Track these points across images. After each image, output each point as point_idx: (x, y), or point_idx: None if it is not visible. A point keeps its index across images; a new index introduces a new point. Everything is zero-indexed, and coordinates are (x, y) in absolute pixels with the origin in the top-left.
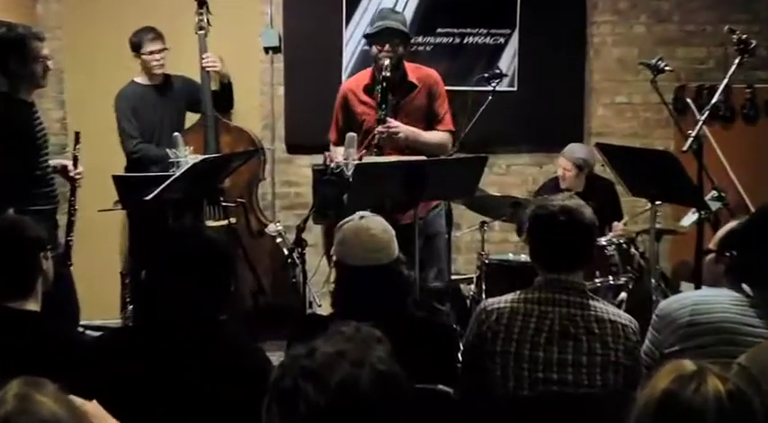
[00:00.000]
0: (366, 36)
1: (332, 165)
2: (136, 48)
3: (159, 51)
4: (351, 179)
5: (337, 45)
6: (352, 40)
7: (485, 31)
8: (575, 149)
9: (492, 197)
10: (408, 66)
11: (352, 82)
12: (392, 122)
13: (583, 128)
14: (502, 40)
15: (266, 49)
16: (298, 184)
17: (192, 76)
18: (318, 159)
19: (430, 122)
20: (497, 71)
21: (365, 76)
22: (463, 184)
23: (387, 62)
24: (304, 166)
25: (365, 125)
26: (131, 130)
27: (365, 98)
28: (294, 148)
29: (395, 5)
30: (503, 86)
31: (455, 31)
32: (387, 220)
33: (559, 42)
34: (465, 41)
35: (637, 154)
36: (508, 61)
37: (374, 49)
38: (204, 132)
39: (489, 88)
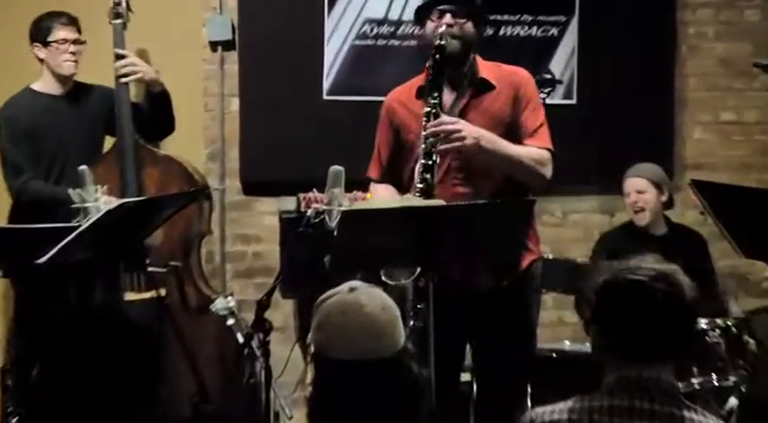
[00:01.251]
0: (418, 11)
1: (309, 212)
2: (40, 36)
3: (75, 42)
4: (336, 233)
5: (315, 39)
6: (338, 32)
7: (529, 17)
8: (644, 166)
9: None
10: (482, 62)
11: (401, 91)
12: (449, 119)
13: (672, 157)
14: (554, 31)
15: (213, 45)
16: (258, 239)
17: (112, 84)
18: (289, 204)
19: (515, 139)
20: (548, 76)
21: (417, 81)
22: (499, 241)
23: (442, 30)
24: (268, 213)
25: (415, 148)
26: (20, 159)
27: (419, 110)
28: (253, 187)
29: None
30: (555, 98)
31: (488, 17)
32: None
33: (638, 34)
34: (501, 33)
35: (753, 196)
36: (563, 62)
37: (428, 25)
38: (121, 164)
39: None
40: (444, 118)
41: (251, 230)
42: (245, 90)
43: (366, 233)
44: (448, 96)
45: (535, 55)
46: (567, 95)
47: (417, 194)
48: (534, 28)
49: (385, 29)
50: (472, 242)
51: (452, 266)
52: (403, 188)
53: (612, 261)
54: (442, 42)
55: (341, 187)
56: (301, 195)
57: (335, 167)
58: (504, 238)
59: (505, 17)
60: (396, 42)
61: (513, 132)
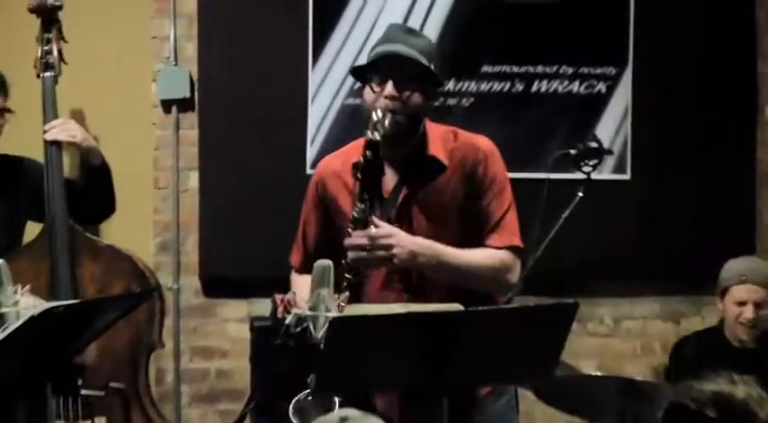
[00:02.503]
0: (355, 71)
1: (288, 319)
2: None
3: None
4: (323, 345)
5: (298, 95)
6: (325, 87)
7: (570, 70)
8: (754, 266)
9: (587, 379)
10: (433, 131)
11: (334, 160)
12: (381, 226)
13: (753, 246)
14: (602, 86)
15: (166, 105)
16: (223, 353)
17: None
18: (262, 308)
19: (472, 234)
20: (593, 145)
21: (357, 148)
22: (533, 356)
23: (380, 113)
24: (235, 319)
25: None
26: None
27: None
28: (216, 286)
29: (405, 21)
30: (604, 173)
31: (516, 69)
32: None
33: (710, 91)
34: (534, 90)
35: None
36: (613, 126)
37: (367, 93)
38: (51, 256)
39: (579, 175)
40: (372, 231)
41: (213, 342)
42: (205, 162)
43: (361, 346)
44: (389, 179)
45: (577, 117)
46: (619, 169)
47: (342, 303)
48: (576, 83)
49: None
50: (494, 358)
51: (463, 387)
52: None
53: (689, 381)
54: (376, 137)
55: (329, 287)
56: (278, 297)
57: (322, 262)
58: (537, 353)
59: (539, 69)
60: None
61: (471, 221)
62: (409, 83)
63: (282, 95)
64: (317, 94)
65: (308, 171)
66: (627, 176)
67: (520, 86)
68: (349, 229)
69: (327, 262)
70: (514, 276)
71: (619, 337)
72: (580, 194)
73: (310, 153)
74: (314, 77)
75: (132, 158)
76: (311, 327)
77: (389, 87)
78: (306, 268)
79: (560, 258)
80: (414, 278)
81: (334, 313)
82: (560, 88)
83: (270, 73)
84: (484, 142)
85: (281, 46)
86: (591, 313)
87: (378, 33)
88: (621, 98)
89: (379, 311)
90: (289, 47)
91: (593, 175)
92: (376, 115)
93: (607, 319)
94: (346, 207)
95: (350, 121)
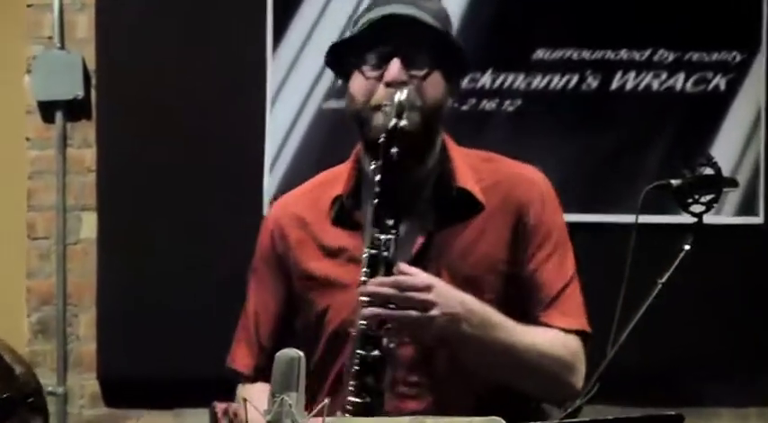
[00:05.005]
0: (335, 51)
1: None
2: None
3: None
4: None
5: (251, 97)
6: (292, 83)
7: (671, 56)
8: None
9: None
10: (456, 151)
11: (297, 199)
12: (411, 272)
13: None
14: (721, 81)
15: (46, 109)
16: None
17: None
18: (196, 421)
19: (514, 308)
20: (707, 173)
21: (337, 178)
22: None
23: (401, 96)
24: None
25: (333, 323)
26: None
27: (333, 237)
28: (123, 390)
29: None
30: (723, 214)
31: (587, 56)
32: None
33: None
34: (615, 86)
35: None
36: (738, 143)
37: (356, 83)
38: None
39: (685, 218)
40: (401, 278)
41: None
42: (107, 198)
43: None
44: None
45: (681, 129)
46: (747, 208)
47: (348, 413)
48: (680, 76)
49: None
50: None
51: None
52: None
53: None
54: (403, 123)
55: (298, 390)
56: (219, 408)
57: (287, 352)
58: None
59: (623, 55)
60: None
61: (515, 290)
62: (424, 59)
63: (227, 98)
64: (278, 96)
65: (266, 212)
66: (759, 219)
67: (593, 82)
68: (363, 277)
69: (296, 352)
70: (580, 377)
71: None
72: (687, 247)
73: (268, 184)
74: (275, 70)
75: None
76: None
77: (394, 67)
78: (261, 372)
79: (655, 347)
80: (439, 366)
81: None
82: (655, 84)
83: (207, 63)
84: (537, 176)
85: (224, 23)
86: None
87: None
88: (750, 99)
89: None
90: (237, 24)
91: (708, 218)
92: (400, 97)
93: None
94: (318, 271)
95: (330, 136)
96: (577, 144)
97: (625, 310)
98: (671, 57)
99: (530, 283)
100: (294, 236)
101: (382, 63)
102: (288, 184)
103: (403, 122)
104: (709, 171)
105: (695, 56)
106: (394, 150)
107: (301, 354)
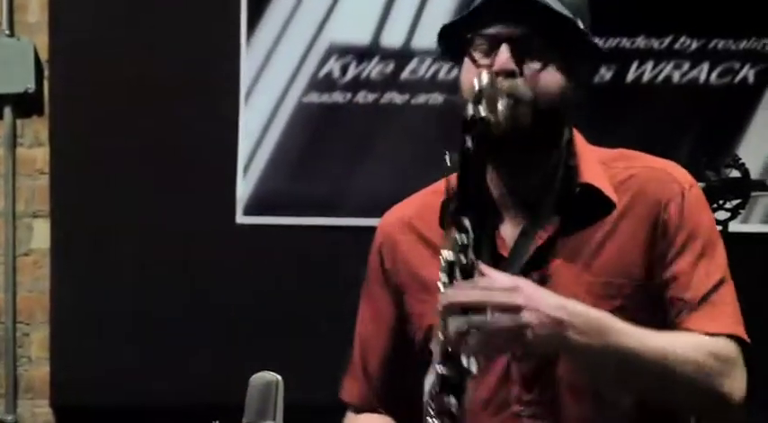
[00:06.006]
0: (446, 33)
1: None
2: None
3: None
4: None
5: (223, 90)
6: (269, 74)
7: (695, 44)
8: None
9: None
10: (584, 147)
11: (405, 207)
12: (494, 276)
13: None
14: (749, 73)
15: None
16: None
17: None
18: None
19: (652, 315)
20: (734, 175)
21: (436, 193)
22: None
23: (486, 78)
24: None
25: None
26: None
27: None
28: (75, 418)
29: None
30: (753, 220)
31: (600, 43)
32: None
33: None
34: (631, 78)
35: None
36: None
37: (466, 69)
38: None
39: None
40: (483, 281)
41: None
42: (62, 204)
43: None
44: (507, 228)
45: (706, 127)
46: None
47: None
48: (704, 66)
49: (373, 68)
50: None
51: None
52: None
53: None
54: (481, 112)
55: (275, 418)
56: None
57: (263, 376)
58: None
59: (639, 43)
60: (397, 98)
61: (657, 300)
62: (539, 48)
63: (196, 91)
64: (253, 89)
65: (239, 220)
66: None
67: (606, 73)
68: (441, 283)
69: (271, 376)
70: (737, 387)
71: None
72: None
73: (242, 188)
74: (249, 61)
75: None
76: None
77: (503, 55)
78: (371, 403)
79: None
80: (544, 395)
81: None
82: (676, 76)
83: (174, 54)
84: (678, 172)
85: (194, 8)
86: None
87: None
88: None
89: None
90: (207, 10)
91: (734, 225)
92: (479, 83)
93: None
94: (430, 277)
95: (312, 134)
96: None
97: None
98: (694, 45)
99: (671, 290)
100: (403, 241)
101: (494, 49)
102: (264, 187)
103: (483, 113)
104: (735, 173)
105: (721, 44)
106: (469, 144)
107: (279, 377)
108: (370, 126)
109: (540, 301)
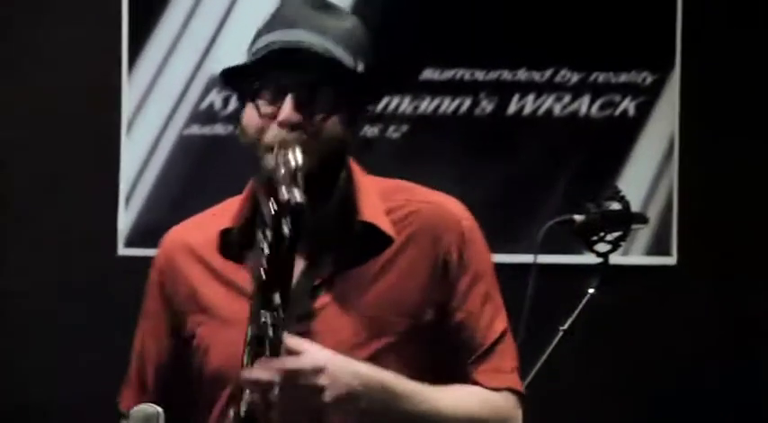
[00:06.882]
0: (230, 75)
1: None
2: None
3: None
4: None
5: (103, 120)
6: (152, 105)
7: (576, 76)
8: None
9: None
10: (364, 182)
11: (189, 231)
12: (300, 349)
13: None
14: (630, 105)
15: None
16: None
17: None
18: None
19: (435, 361)
20: (615, 208)
21: (229, 210)
22: None
23: (297, 154)
24: None
25: (212, 364)
26: None
27: (222, 265)
28: None
29: None
30: (634, 253)
31: (482, 76)
32: None
33: None
34: (513, 110)
35: None
36: (649, 175)
37: (249, 115)
38: None
39: (590, 258)
40: (288, 361)
41: None
42: None
43: None
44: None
45: (586, 159)
46: (659, 247)
47: None
48: (585, 99)
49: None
50: None
51: None
52: None
53: None
54: (296, 197)
55: None
56: None
57: (144, 409)
58: None
59: (521, 75)
60: None
61: (434, 339)
62: (325, 98)
63: (76, 123)
64: (134, 120)
65: (121, 251)
66: (672, 260)
67: (488, 105)
68: (246, 358)
69: (153, 408)
70: None
71: None
72: (591, 291)
73: (124, 220)
74: (131, 91)
75: None
76: None
77: (287, 107)
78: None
79: (556, 399)
80: None
81: None
82: (557, 108)
83: (53, 83)
84: (458, 209)
85: (73, 38)
86: None
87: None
88: (662, 126)
89: None
90: (88, 40)
91: (614, 258)
92: (282, 156)
93: None
94: (217, 305)
95: (193, 166)
96: (470, 175)
97: (525, 359)
98: (574, 78)
99: (457, 336)
100: (185, 265)
101: (277, 98)
102: (146, 220)
103: (299, 198)
104: (616, 206)
105: (601, 77)
106: (286, 230)
107: (160, 410)
108: (251, 158)
109: (341, 376)
